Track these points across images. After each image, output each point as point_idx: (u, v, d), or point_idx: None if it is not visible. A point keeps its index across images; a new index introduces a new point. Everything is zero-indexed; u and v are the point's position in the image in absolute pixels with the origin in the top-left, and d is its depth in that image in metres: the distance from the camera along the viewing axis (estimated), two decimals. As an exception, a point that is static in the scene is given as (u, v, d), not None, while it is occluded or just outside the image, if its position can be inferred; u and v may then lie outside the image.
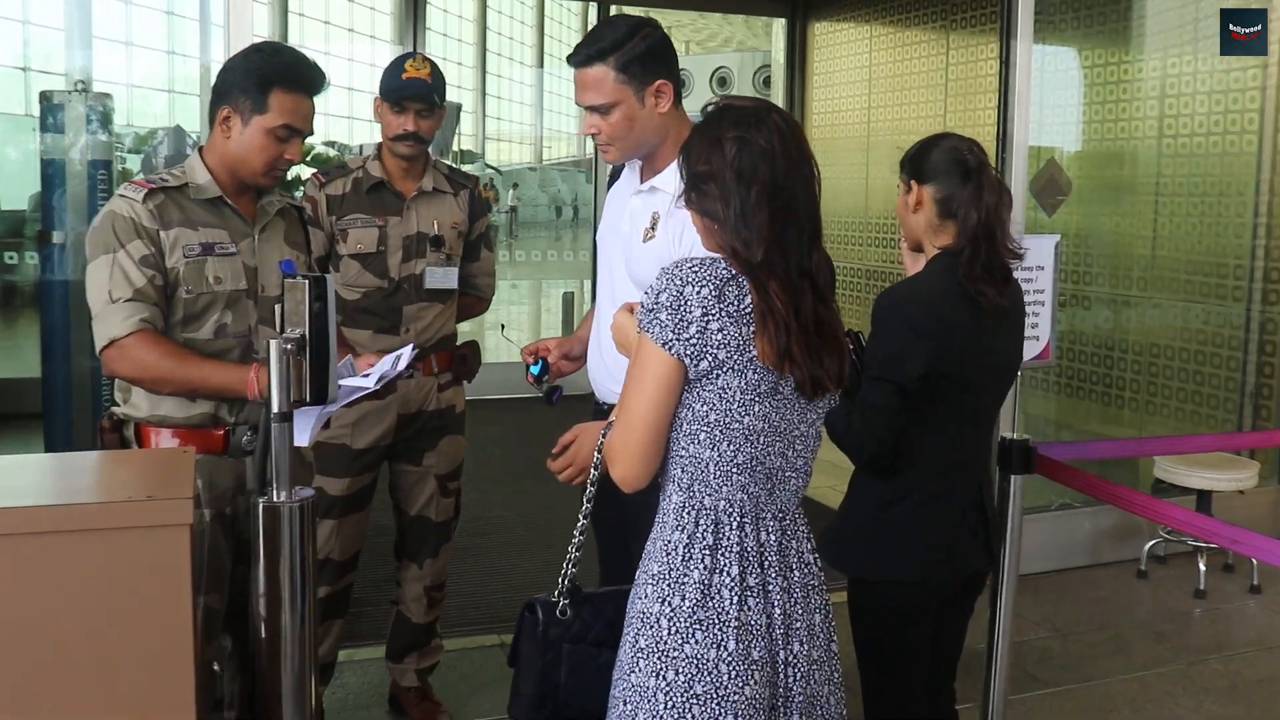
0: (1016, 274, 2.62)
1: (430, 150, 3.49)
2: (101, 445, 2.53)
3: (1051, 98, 6.04)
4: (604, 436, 1.97)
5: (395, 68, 3.27)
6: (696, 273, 1.81)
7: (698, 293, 1.79)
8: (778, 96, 8.09)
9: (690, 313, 1.79)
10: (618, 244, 2.61)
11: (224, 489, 2.55)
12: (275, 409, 1.93)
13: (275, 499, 1.96)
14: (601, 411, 2.60)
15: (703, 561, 1.87)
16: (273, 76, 2.53)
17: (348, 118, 13.68)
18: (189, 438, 2.48)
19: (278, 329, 2.01)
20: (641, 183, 2.56)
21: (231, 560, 2.58)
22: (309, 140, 2.76)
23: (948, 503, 2.49)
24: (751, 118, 1.88)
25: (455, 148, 12.74)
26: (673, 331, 1.79)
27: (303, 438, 2.13)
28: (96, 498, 1.84)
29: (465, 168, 14.49)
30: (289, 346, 1.93)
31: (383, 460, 3.43)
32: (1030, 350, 3.04)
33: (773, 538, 1.92)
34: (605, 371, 2.59)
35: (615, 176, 2.75)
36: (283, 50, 2.60)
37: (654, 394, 1.82)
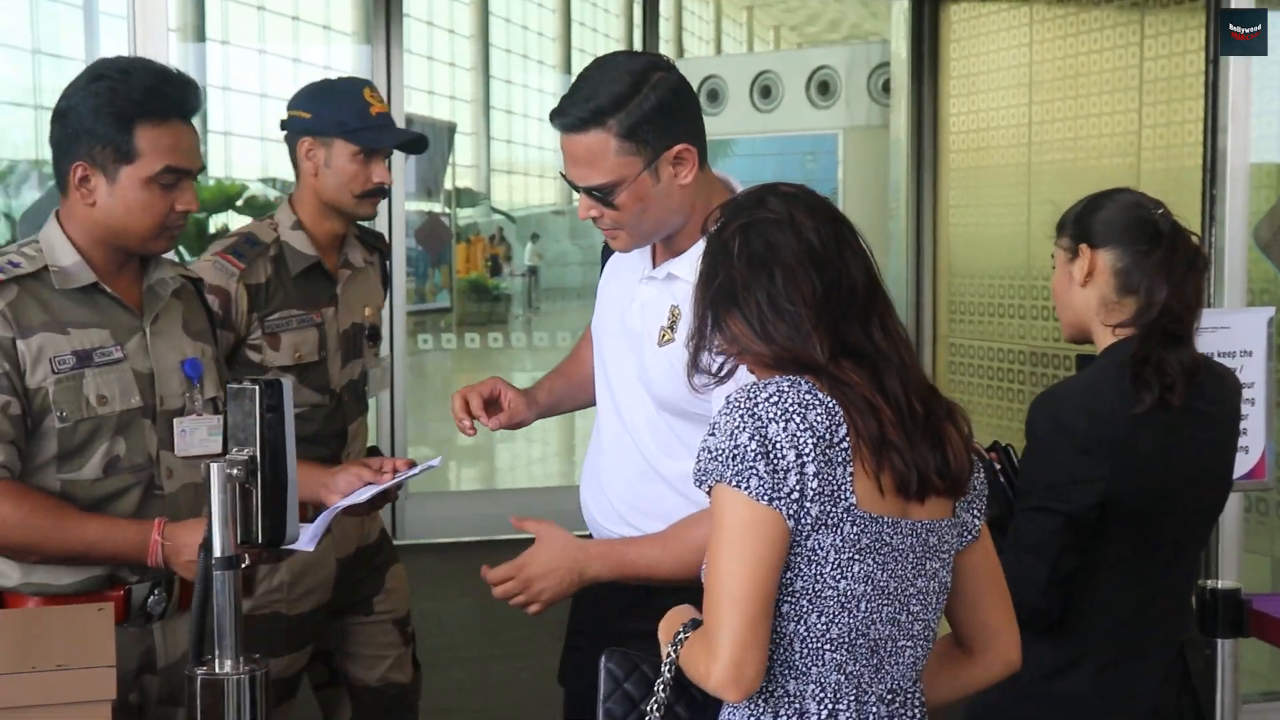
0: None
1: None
2: None
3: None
4: (683, 635, 2.17)
5: (351, 98, 3.47)
6: (776, 404, 2.04)
7: (784, 430, 2.02)
8: (900, 105, 8.34)
9: (783, 457, 2.01)
10: (623, 340, 2.78)
11: (126, 670, 2.68)
12: (218, 552, 2.17)
13: (218, 669, 2.17)
14: None
15: None
16: (130, 109, 2.66)
17: (295, 143, 14.05)
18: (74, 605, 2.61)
19: (192, 449, 2.21)
20: (654, 266, 2.74)
21: None
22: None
23: (1137, 670, 2.69)
24: (749, 199, 2.18)
25: (449, 185, 13.09)
26: (771, 485, 2.01)
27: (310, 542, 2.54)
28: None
29: (463, 213, 14.72)
30: (235, 471, 2.18)
31: (323, 626, 3.65)
32: (1239, 465, 3.21)
33: None
34: (610, 508, 2.79)
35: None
36: (135, 67, 2.75)
37: (758, 564, 2.01)
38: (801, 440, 2.01)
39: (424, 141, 3.64)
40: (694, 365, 2.23)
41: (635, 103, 2.55)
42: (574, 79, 2.66)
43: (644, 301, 2.74)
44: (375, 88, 3.55)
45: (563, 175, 2.67)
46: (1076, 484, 2.59)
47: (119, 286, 2.77)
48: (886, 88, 9.20)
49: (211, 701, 2.18)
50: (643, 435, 2.72)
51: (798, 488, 2.01)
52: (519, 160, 16.85)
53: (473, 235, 14.39)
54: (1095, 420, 2.62)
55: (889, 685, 2.14)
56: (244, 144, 13.98)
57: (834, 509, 2.03)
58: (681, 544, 2.57)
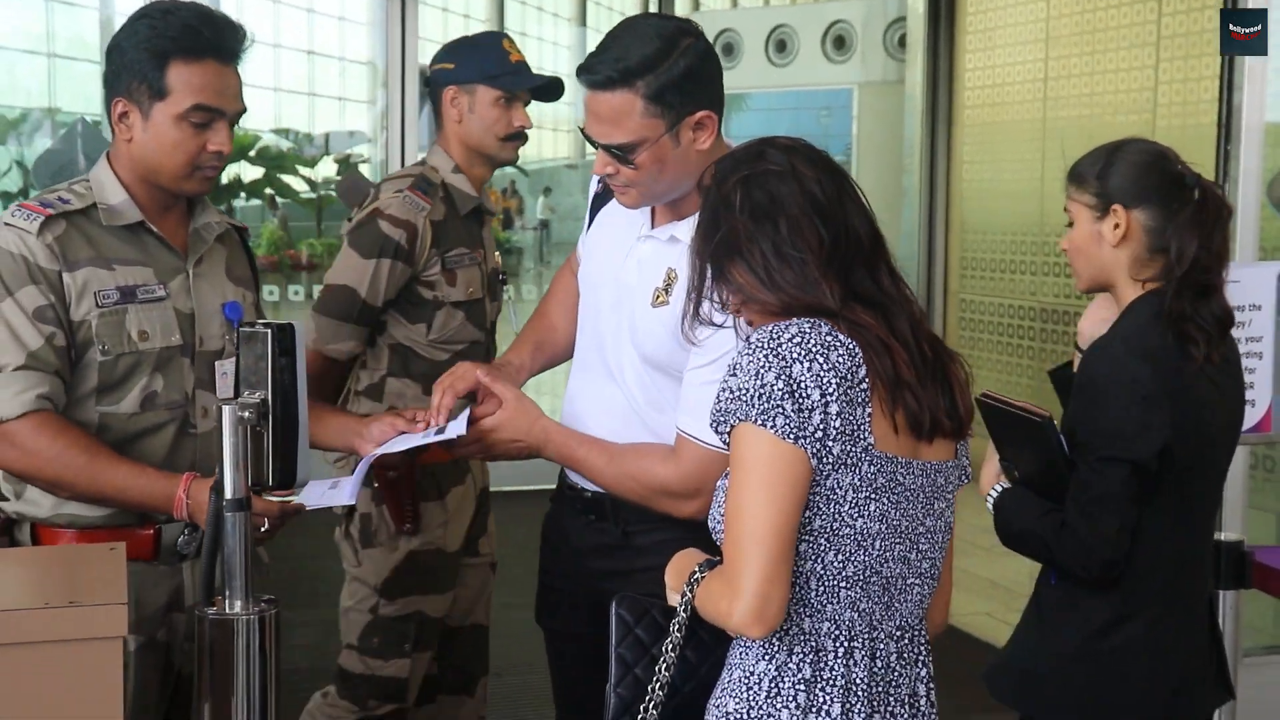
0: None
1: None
2: None
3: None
4: (699, 575, 2.20)
5: (492, 48, 3.67)
6: (801, 345, 2.07)
7: (809, 369, 2.06)
8: (916, 60, 8.34)
9: (809, 396, 2.05)
10: (615, 293, 2.80)
11: (155, 607, 2.77)
12: (229, 494, 2.19)
13: (228, 610, 2.21)
14: (577, 496, 2.86)
15: (795, 699, 2.13)
16: (166, 46, 2.71)
17: (308, 94, 13.95)
18: (105, 540, 2.63)
19: (232, 391, 2.27)
20: (654, 226, 2.76)
21: (166, 705, 2.81)
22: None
23: (1185, 622, 2.74)
24: (746, 153, 2.21)
25: (461, 137, 13.09)
26: (798, 423, 2.04)
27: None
28: None
29: (476, 165, 14.69)
30: (247, 414, 2.20)
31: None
32: (1246, 419, 3.23)
33: (893, 662, 2.18)
34: None
35: (607, 191, 2.85)
36: (178, 8, 2.79)
37: (783, 501, 2.05)
38: (825, 380, 2.05)
39: (560, 87, 3.78)
40: (695, 316, 2.25)
41: (664, 67, 2.57)
42: (589, 33, 2.70)
43: (641, 259, 2.76)
44: (513, 40, 3.72)
45: (582, 130, 2.69)
46: (1144, 431, 2.61)
47: (165, 227, 2.83)
48: (902, 42, 9.20)
49: (221, 641, 2.22)
50: (631, 387, 2.76)
51: (821, 426, 2.04)
52: (532, 113, 16.83)
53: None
54: (1156, 368, 2.65)
55: (898, 623, 2.19)
56: (257, 94, 13.98)
57: (854, 448, 2.07)
58: (624, 466, 2.69)
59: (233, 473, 2.21)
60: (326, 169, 11.69)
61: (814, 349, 2.06)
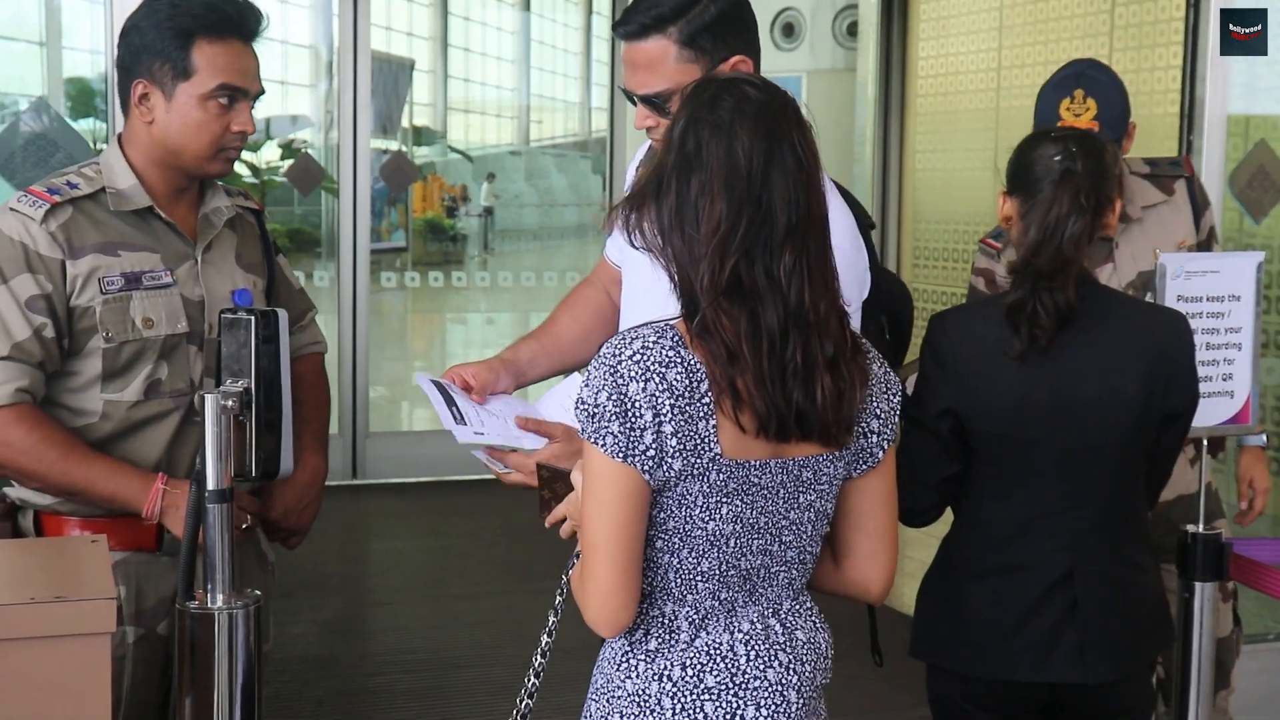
0: (1201, 307, 2.99)
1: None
2: None
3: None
4: (574, 562, 2.23)
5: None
6: (639, 364, 2.06)
7: (644, 389, 2.05)
8: (868, 50, 8.35)
9: (640, 417, 2.05)
10: (657, 281, 2.73)
11: (157, 600, 2.75)
12: (211, 485, 2.16)
13: (210, 604, 2.17)
14: None
15: (636, 669, 2.16)
16: (190, 25, 2.73)
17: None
18: (108, 529, 2.63)
19: (215, 379, 2.25)
20: None
21: (164, 698, 2.78)
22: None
23: (1010, 583, 2.82)
24: (709, 90, 2.13)
25: (405, 123, 13.00)
26: (626, 443, 2.05)
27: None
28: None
29: (420, 151, 14.59)
30: (229, 403, 2.17)
31: None
32: (1223, 411, 3.23)
33: (761, 632, 2.19)
34: None
35: None
36: None
37: (619, 515, 2.08)
38: (659, 400, 2.04)
39: None
40: (622, 215, 2.18)
41: (696, 12, 2.61)
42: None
43: None
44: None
45: (623, 90, 2.71)
46: (926, 389, 2.80)
47: (175, 213, 2.83)
48: (852, 30, 9.22)
49: (202, 636, 2.19)
50: None
51: (654, 445, 2.05)
52: (476, 99, 16.74)
53: (430, 174, 14.34)
54: (955, 335, 2.81)
55: (763, 608, 2.20)
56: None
57: (698, 460, 2.07)
58: None
59: (215, 463, 2.18)
60: (270, 153, 11.63)
61: (651, 368, 2.05)
